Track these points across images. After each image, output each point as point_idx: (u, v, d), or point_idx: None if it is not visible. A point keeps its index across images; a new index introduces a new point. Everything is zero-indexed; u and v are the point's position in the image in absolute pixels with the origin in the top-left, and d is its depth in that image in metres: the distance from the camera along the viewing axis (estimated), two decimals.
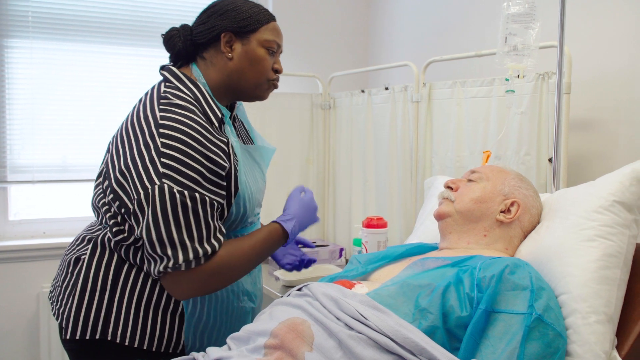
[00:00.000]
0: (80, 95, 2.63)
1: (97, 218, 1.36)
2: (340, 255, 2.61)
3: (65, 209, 2.70)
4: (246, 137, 1.50)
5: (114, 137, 1.30)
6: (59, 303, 1.33)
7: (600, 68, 1.83)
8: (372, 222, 2.03)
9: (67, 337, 1.27)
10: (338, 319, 1.04)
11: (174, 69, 1.32)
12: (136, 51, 2.74)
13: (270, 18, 1.35)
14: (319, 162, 2.85)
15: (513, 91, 1.65)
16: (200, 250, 1.19)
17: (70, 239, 2.57)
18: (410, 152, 2.29)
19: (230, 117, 1.39)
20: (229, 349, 1.14)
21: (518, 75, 1.61)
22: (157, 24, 2.77)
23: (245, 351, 1.07)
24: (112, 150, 1.28)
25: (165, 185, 1.16)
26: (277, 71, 1.38)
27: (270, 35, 1.33)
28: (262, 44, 1.32)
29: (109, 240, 1.29)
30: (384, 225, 2.03)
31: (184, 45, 1.32)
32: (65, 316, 1.28)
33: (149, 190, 1.16)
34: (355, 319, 1.02)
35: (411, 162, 2.28)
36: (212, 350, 1.13)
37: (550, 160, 1.73)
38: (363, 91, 2.58)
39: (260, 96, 1.38)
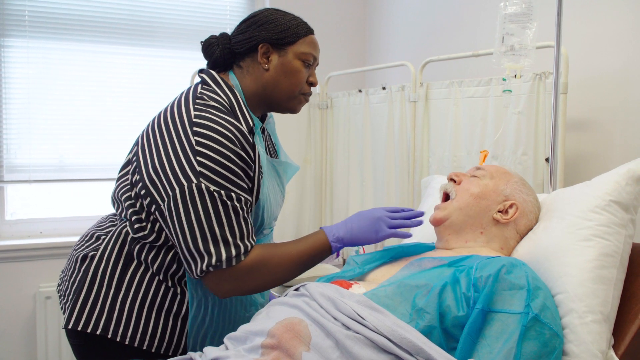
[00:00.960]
0: (77, 94, 2.63)
1: (117, 210, 1.36)
2: (338, 255, 2.61)
3: (62, 208, 2.70)
4: (272, 150, 1.51)
5: (144, 131, 1.31)
6: (65, 297, 1.34)
7: (596, 68, 1.84)
8: None
9: (70, 327, 1.27)
10: (335, 319, 1.04)
11: (213, 72, 1.34)
12: (133, 50, 2.74)
13: (308, 31, 1.37)
14: (316, 161, 2.85)
15: (510, 91, 1.65)
16: (242, 247, 1.21)
17: (67, 239, 2.60)
18: (407, 151, 2.29)
19: (260, 128, 1.38)
20: (226, 348, 1.13)
21: (515, 75, 1.61)
22: (154, 23, 2.77)
23: (242, 351, 1.07)
24: (143, 144, 1.28)
25: (203, 184, 1.17)
26: (312, 84, 1.39)
27: (307, 48, 1.35)
28: (299, 57, 1.33)
29: (126, 234, 1.30)
30: None
31: (221, 53, 1.34)
32: (70, 308, 1.29)
33: (185, 187, 1.17)
34: (353, 319, 1.02)
35: (408, 162, 2.28)
36: (210, 350, 1.13)
37: (547, 160, 1.73)
38: (360, 91, 2.58)
39: (292, 108, 1.40)
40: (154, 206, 1.23)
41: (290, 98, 1.36)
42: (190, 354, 1.17)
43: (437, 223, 1.36)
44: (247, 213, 1.24)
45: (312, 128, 2.83)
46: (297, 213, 2.84)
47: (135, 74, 2.74)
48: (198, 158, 1.18)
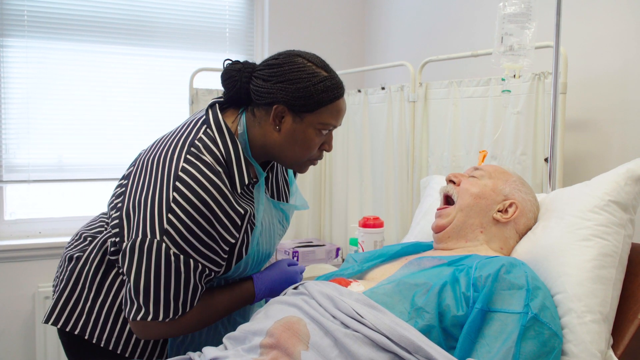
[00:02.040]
0: (76, 94, 2.63)
1: (108, 218, 1.33)
2: (337, 255, 2.61)
3: (61, 208, 2.69)
4: (283, 184, 1.44)
5: (143, 155, 1.26)
6: (54, 295, 1.35)
7: (596, 68, 1.84)
8: (368, 221, 2.03)
9: (50, 324, 1.28)
10: (334, 317, 1.04)
11: (219, 117, 1.23)
12: (132, 50, 2.74)
13: (335, 97, 1.21)
14: None
15: (509, 91, 1.65)
16: (181, 310, 1.18)
17: (66, 239, 2.59)
18: (406, 151, 2.29)
19: (265, 171, 1.33)
20: (225, 348, 1.13)
21: (514, 75, 1.61)
22: (154, 23, 2.77)
23: (241, 351, 1.07)
24: (136, 172, 1.23)
25: (164, 244, 1.12)
26: (326, 150, 1.30)
27: (328, 118, 1.22)
28: (315, 126, 1.21)
29: (107, 247, 1.29)
30: (380, 225, 2.03)
31: (238, 92, 1.23)
32: (52, 304, 1.30)
33: (147, 239, 1.13)
34: (352, 317, 1.02)
35: (407, 162, 2.28)
36: (208, 350, 1.13)
37: (546, 160, 1.73)
38: (359, 91, 2.58)
39: (298, 170, 1.32)
40: (117, 239, 1.20)
41: (296, 163, 1.28)
42: (190, 354, 1.17)
43: (439, 230, 1.36)
44: (200, 279, 1.19)
45: None
46: (296, 213, 2.84)
47: (134, 74, 2.74)
48: (169, 216, 1.12)
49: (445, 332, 1.03)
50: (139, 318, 1.16)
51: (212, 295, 1.28)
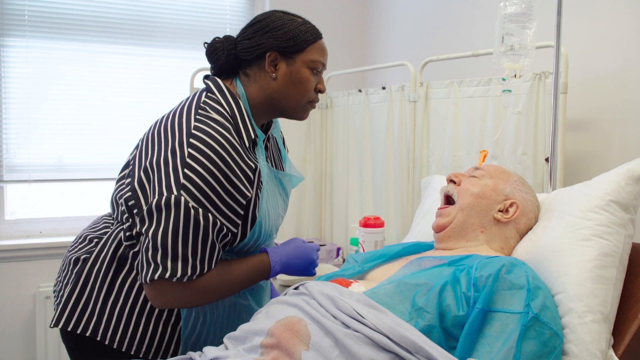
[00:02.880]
0: (76, 94, 2.63)
1: (114, 213, 1.35)
2: (338, 255, 2.61)
3: (61, 208, 2.70)
4: (278, 158, 1.48)
5: (145, 134, 1.30)
6: (58, 298, 1.34)
7: (596, 68, 1.84)
8: (369, 221, 2.03)
9: (60, 327, 1.27)
10: (335, 317, 1.04)
11: (218, 80, 1.31)
12: (132, 50, 2.74)
13: (317, 36, 1.32)
14: (316, 161, 2.85)
15: (510, 91, 1.65)
16: (199, 269, 1.18)
17: (66, 238, 2.60)
18: (407, 151, 2.29)
19: (263, 140, 1.37)
20: (226, 348, 1.13)
21: (515, 75, 1.61)
22: (154, 23, 2.77)
23: (241, 350, 1.07)
24: (141, 147, 1.26)
25: (182, 198, 1.14)
26: (320, 91, 1.36)
27: (316, 55, 1.31)
28: (307, 65, 1.30)
29: (120, 239, 1.29)
30: (381, 225, 2.03)
31: (227, 59, 1.30)
32: (62, 308, 1.28)
33: (164, 197, 1.14)
34: (352, 318, 1.02)
35: (408, 162, 2.28)
36: (209, 350, 1.13)
37: (546, 160, 1.73)
38: (360, 91, 2.58)
39: (300, 116, 1.37)
40: (135, 209, 1.20)
41: (298, 107, 1.34)
42: (190, 353, 1.17)
43: (439, 229, 1.36)
44: (217, 238, 1.20)
45: (311, 128, 2.83)
46: (296, 212, 2.85)
47: (135, 73, 2.74)
48: (186, 171, 1.15)
49: (445, 332, 1.03)
50: (156, 277, 1.15)
51: (230, 263, 1.28)
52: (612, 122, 1.79)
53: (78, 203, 2.71)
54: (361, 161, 2.59)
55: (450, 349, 1.02)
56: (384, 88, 2.42)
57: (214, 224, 1.18)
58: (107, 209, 1.43)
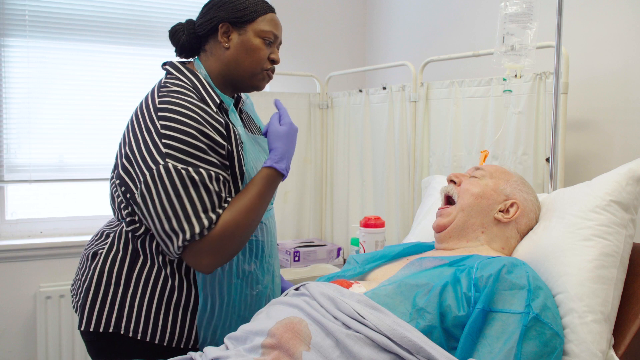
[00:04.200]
0: (77, 94, 2.63)
1: (114, 213, 1.39)
2: (338, 255, 2.62)
3: (62, 208, 2.69)
4: (256, 129, 1.54)
5: (123, 131, 1.35)
6: (77, 296, 1.37)
7: (597, 68, 1.84)
8: (369, 221, 2.03)
9: (83, 329, 1.31)
10: (335, 318, 1.04)
11: (175, 62, 1.38)
12: (133, 50, 2.74)
13: (268, 9, 1.38)
14: (316, 161, 2.85)
15: (510, 91, 1.65)
16: (214, 217, 1.24)
17: (68, 239, 2.61)
18: (407, 151, 2.29)
19: (233, 105, 1.44)
20: (227, 348, 1.14)
21: (515, 75, 1.61)
22: (154, 22, 2.77)
23: (242, 351, 1.07)
24: (120, 142, 1.33)
25: (170, 164, 1.21)
26: (274, 61, 1.40)
27: (267, 26, 1.36)
28: (258, 34, 1.35)
29: (126, 232, 1.33)
30: (381, 225, 2.03)
31: (187, 38, 1.38)
32: (81, 308, 1.32)
33: (154, 171, 1.21)
34: (353, 318, 1.02)
35: (409, 162, 2.28)
36: (210, 350, 1.13)
37: (547, 160, 1.73)
38: (361, 91, 2.58)
39: (256, 86, 1.41)
40: (128, 195, 1.28)
41: (253, 75, 1.38)
42: (191, 353, 1.17)
43: (440, 229, 1.36)
44: (218, 186, 1.26)
45: (312, 128, 2.83)
46: (297, 212, 2.84)
47: (136, 73, 2.73)
48: (164, 140, 1.22)
49: (446, 332, 1.03)
50: (180, 242, 1.22)
51: (235, 198, 1.31)
52: (613, 122, 1.79)
53: (79, 203, 2.71)
54: (362, 161, 2.59)
55: (450, 349, 1.02)
56: (384, 88, 2.42)
57: (209, 176, 1.24)
58: (109, 209, 1.44)
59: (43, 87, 2.57)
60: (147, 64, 2.76)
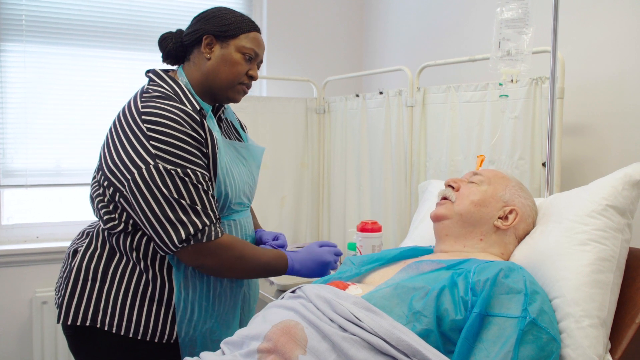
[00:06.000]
0: (74, 99, 2.63)
1: (93, 212, 1.43)
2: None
3: (59, 213, 2.69)
4: (235, 136, 1.58)
5: (106, 134, 1.39)
6: (58, 293, 1.42)
7: (593, 73, 1.85)
8: (366, 226, 2.03)
9: (61, 322, 1.35)
10: (332, 320, 1.04)
11: (157, 70, 1.45)
12: (130, 55, 2.74)
13: (252, 28, 1.45)
14: (313, 166, 2.85)
15: (507, 96, 1.66)
16: (213, 215, 1.31)
17: (64, 243, 2.60)
18: (404, 156, 2.29)
19: (215, 116, 1.51)
20: (223, 353, 1.13)
21: (512, 80, 1.62)
22: (150, 28, 2.77)
23: (238, 356, 1.07)
24: (104, 145, 1.37)
25: (160, 165, 1.26)
26: (252, 77, 1.46)
27: (249, 43, 1.43)
28: (240, 50, 1.42)
29: (103, 231, 1.37)
30: (378, 229, 2.03)
31: (174, 46, 1.45)
32: (59, 302, 1.37)
33: (144, 169, 1.26)
34: (349, 321, 1.02)
35: (405, 166, 2.28)
36: (206, 355, 1.13)
37: (543, 164, 1.73)
38: (357, 95, 2.59)
39: (232, 98, 1.47)
40: (117, 194, 1.31)
41: (230, 87, 1.44)
42: (187, 359, 1.17)
43: (437, 219, 1.36)
44: (207, 186, 1.32)
45: (309, 132, 2.84)
46: (294, 217, 2.84)
47: (132, 78, 2.73)
48: (151, 142, 1.27)
49: (443, 336, 1.03)
50: (183, 236, 1.27)
51: (252, 245, 1.42)
52: (609, 127, 1.80)
53: (75, 208, 2.70)
54: (359, 166, 2.59)
55: (447, 353, 1.02)
56: (381, 93, 2.42)
57: (195, 175, 1.30)
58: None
59: (40, 92, 2.57)
60: (144, 69, 2.75)
